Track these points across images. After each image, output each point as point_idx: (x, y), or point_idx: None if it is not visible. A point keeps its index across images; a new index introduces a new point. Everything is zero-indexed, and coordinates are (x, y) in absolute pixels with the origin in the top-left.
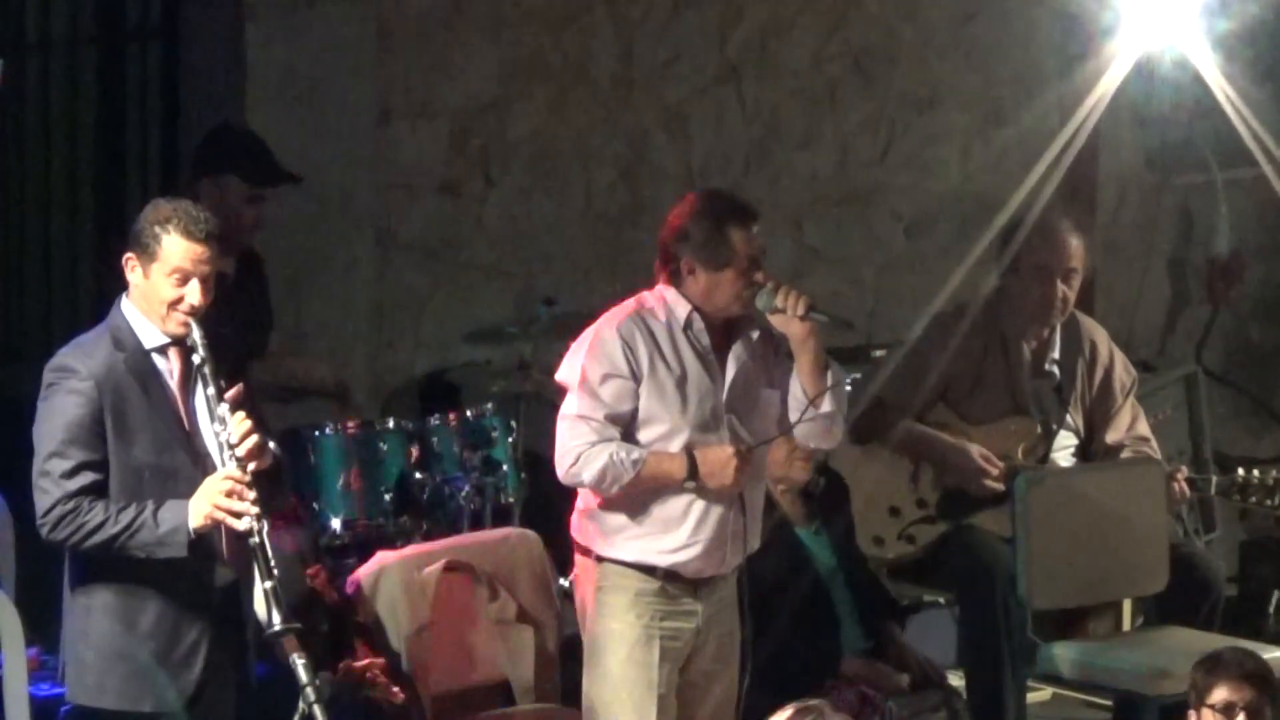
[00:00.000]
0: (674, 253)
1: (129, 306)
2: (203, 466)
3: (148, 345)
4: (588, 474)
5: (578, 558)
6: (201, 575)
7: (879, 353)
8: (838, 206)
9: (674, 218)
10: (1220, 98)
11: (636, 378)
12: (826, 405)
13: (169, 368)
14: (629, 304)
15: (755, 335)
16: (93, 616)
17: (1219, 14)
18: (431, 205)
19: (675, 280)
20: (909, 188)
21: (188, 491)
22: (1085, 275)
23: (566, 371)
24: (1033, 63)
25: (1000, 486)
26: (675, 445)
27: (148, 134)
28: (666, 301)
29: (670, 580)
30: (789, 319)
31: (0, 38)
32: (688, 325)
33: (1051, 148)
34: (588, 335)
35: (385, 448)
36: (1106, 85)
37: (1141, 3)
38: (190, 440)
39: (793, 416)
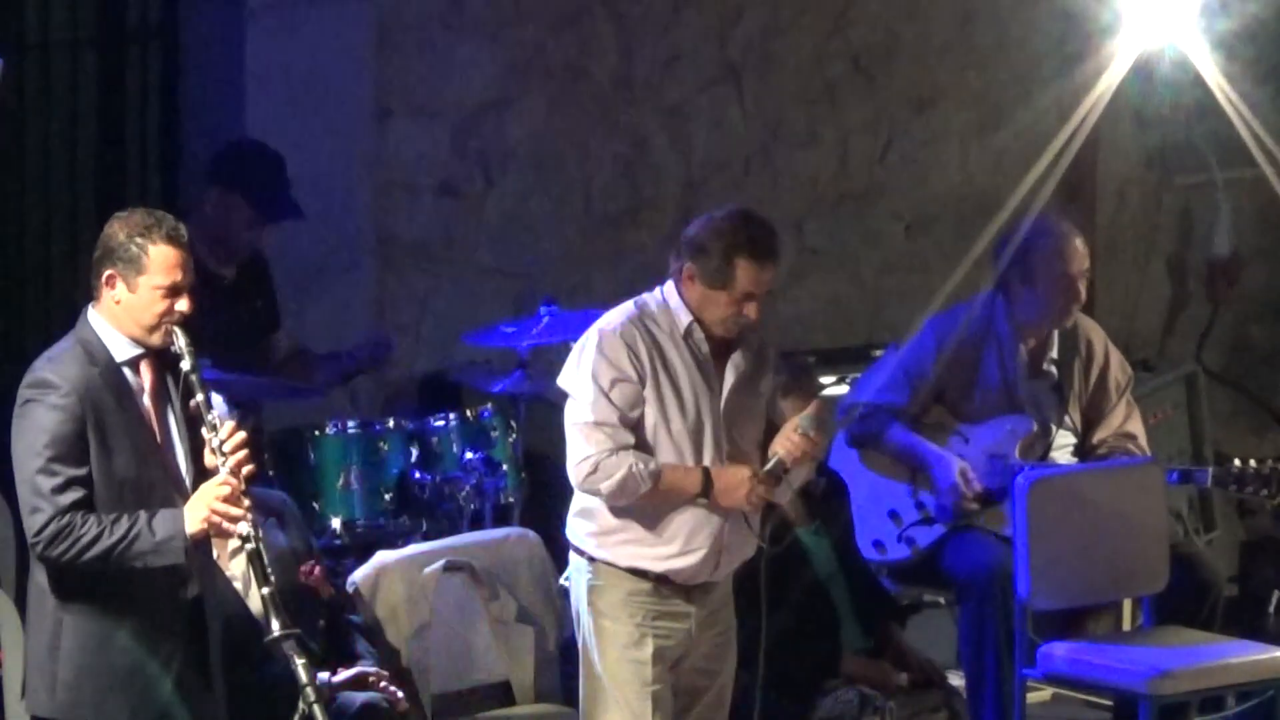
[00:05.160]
0: (685, 253)
1: (96, 318)
2: (176, 482)
3: (118, 359)
4: (606, 485)
5: (571, 556)
6: (175, 589)
7: (879, 353)
8: (838, 206)
9: (701, 222)
10: (1220, 98)
11: (642, 380)
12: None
13: (139, 382)
14: (628, 307)
15: (755, 344)
16: (66, 630)
17: (1219, 13)
18: (431, 205)
19: (677, 278)
20: (909, 188)
21: (164, 506)
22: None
23: (571, 377)
24: (1032, 62)
25: (975, 507)
26: (668, 450)
27: (147, 134)
28: (670, 307)
29: (662, 583)
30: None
31: (0, 38)
32: (688, 334)
33: (1051, 147)
34: (589, 339)
35: (385, 448)
36: (1105, 84)
37: (1141, 2)
38: (163, 455)
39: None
